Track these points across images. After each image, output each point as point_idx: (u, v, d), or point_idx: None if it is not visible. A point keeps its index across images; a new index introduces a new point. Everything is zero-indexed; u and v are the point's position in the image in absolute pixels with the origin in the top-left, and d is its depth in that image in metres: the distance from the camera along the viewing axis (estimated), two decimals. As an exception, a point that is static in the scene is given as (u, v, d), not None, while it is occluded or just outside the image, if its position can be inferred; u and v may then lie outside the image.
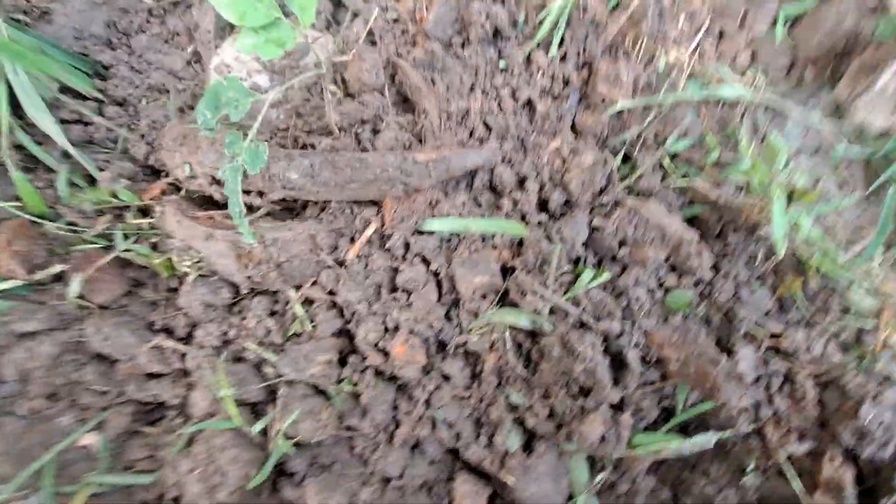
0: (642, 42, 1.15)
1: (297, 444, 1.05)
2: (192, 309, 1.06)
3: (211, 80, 1.20)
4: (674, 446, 0.94)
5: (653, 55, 1.16)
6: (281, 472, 1.08)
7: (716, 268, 1.02)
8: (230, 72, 1.17)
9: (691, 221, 1.09)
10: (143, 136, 1.21)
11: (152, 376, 1.09)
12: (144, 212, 1.15)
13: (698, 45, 1.13)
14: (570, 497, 1.08)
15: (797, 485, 0.90)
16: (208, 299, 1.04)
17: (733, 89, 1.08)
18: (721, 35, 1.17)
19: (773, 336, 0.96)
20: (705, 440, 0.93)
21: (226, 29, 1.25)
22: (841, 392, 0.88)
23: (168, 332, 1.10)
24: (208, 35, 1.23)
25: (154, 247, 1.13)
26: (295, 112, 1.15)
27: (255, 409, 1.04)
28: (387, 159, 0.97)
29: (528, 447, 1.06)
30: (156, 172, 1.20)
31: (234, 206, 0.75)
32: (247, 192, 1.03)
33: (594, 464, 1.09)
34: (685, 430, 1.05)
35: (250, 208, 1.08)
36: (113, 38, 1.28)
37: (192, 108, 1.23)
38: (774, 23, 1.14)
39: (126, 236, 1.11)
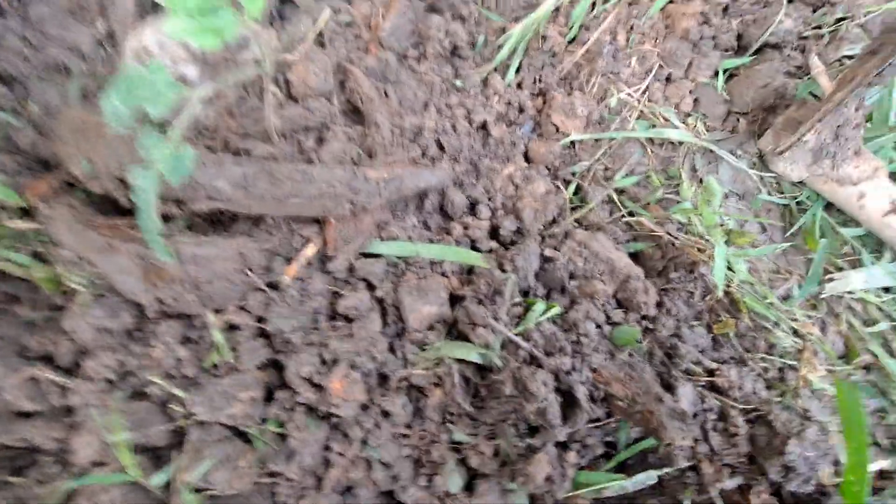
0: (596, 78, 1.17)
1: (210, 497, 0.90)
2: (82, 333, 0.88)
3: (126, 65, 1.03)
4: (617, 485, 0.92)
5: (605, 92, 1.19)
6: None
7: (659, 305, 1.04)
8: (151, 58, 1.02)
9: (636, 257, 1.12)
10: (32, 121, 1.00)
11: (23, 415, 0.89)
12: (28, 213, 0.95)
13: (647, 87, 1.18)
14: (511, 538, 1.03)
15: (728, 520, 0.92)
16: (103, 323, 0.87)
17: (678, 132, 1.13)
18: (668, 79, 1.23)
19: (708, 373, 0.99)
20: (647, 477, 0.93)
21: (148, 7, 1.09)
22: (768, 428, 0.92)
23: (47, 360, 0.90)
24: (126, 12, 1.06)
25: (37, 256, 0.93)
26: (227, 111, 1.02)
27: (156, 456, 0.88)
28: (334, 174, 0.88)
29: (468, 486, 1.00)
30: (46, 167, 1.00)
31: (147, 221, 0.62)
32: (162, 200, 0.88)
33: (534, 500, 1.06)
34: (623, 465, 1.05)
35: (166, 218, 0.92)
36: (4, 3, 1.06)
37: (97, 94, 1.05)
38: (716, 74, 1.21)
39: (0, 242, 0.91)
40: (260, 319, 0.94)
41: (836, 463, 0.95)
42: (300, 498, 0.95)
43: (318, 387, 0.93)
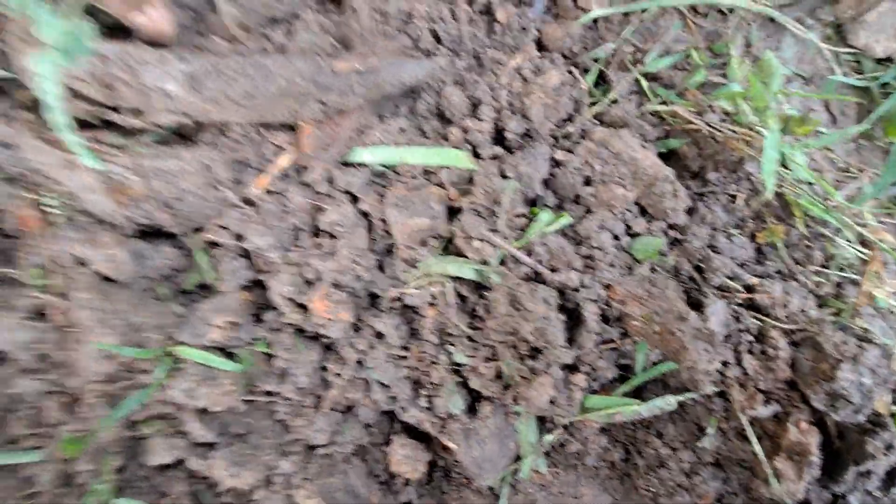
0: (624, -69, 0.93)
1: (204, 412, 0.90)
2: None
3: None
4: (630, 410, 0.84)
5: (636, -50, 0.95)
6: (187, 440, 0.94)
7: (690, 211, 0.88)
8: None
9: (667, 157, 0.94)
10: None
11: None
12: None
13: (690, -63, 0.92)
14: (517, 458, 1.00)
15: (758, 449, 0.82)
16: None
17: (729, -6, 0.89)
18: (718, -73, 0.96)
19: (747, 289, 0.85)
20: (665, 403, 0.83)
21: None
22: (816, 351, 0.79)
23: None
24: None
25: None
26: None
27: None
28: (295, 67, 0.75)
29: (471, 408, 0.96)
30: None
31: (53, 111, 0.54)
32: (115, 110, 0.80)
33: (544, 422, 1.01)
34: (640, 390, 0.96)
35: (129, 132, 0.85)
36: None
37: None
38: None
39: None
40: (238, 237, 0.88)
41: (899, 390, 0.82)
42: (297, 416, 0.94)
43: (302, 307, 0.87)
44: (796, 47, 0.99)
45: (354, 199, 0.89)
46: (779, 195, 0.86)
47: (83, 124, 0.87)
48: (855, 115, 1.03)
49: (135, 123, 0.83)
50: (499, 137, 0.99)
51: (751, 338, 0.82)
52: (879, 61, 1.01)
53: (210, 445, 0.93)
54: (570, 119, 0.98)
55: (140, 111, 0.81)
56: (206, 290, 0.93)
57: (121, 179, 0.78)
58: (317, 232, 0.89)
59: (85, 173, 0.79)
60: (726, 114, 0.88)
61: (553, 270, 0.82)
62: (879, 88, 1.01)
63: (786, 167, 0.83)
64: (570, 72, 0.99)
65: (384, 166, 0.89)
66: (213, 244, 0.90)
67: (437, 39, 0.99)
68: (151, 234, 0.88)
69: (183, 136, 0.92)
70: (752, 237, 0.88)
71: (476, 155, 0.96)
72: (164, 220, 0.85)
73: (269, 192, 0.87)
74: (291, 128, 0.88)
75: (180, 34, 0.86)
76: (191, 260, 0.90)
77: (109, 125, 0.82)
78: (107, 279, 0.84)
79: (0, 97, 0.95)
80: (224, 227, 0.88)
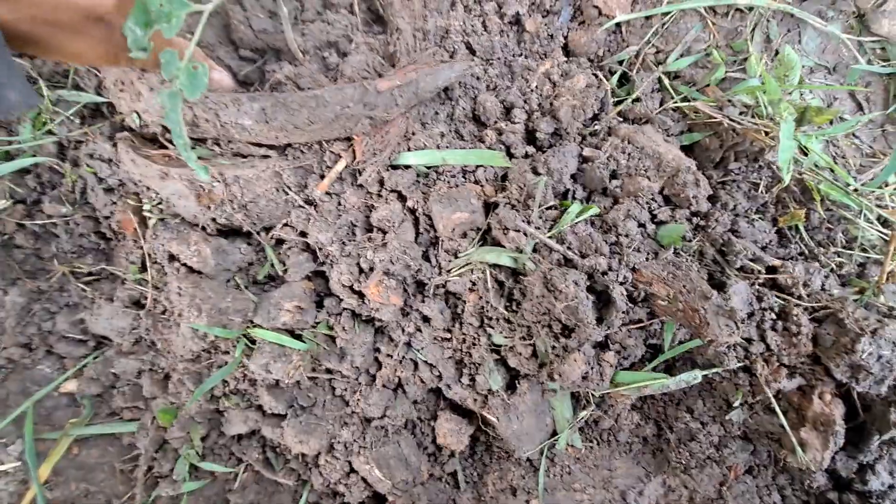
0: (644, -59, 1.00)
1: (276, 386, 1.04)
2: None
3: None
4: (659, 383, 0.91)
5: (656, -43, 1.02)
6: (263, 413, 1.07)
7: (713, 199, 0.94)
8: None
9: (689, 149, 1.00)
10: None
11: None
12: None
13: (708, -57, 0.98)
14: (554, 433, 1.08)
15: (784, 420, 0.87)
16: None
17: (746, -6, 0.95)
18: (735, -70, 1.02)
19: (769, 270, 0.90)
20: (691, 377, 0.90)
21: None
22: (838, 327, 0.83)
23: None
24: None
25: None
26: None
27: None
28: (346, 94, 0.87)
29: (510, 385, 1.04)
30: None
31: (178, 136, 0.67)
32: (202, 141, 0.95)
33: (578, 400, 1.08)
34: (670, 368, 1.02)
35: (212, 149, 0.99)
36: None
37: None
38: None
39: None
40: (302, 234, 1.00)
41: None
42: (355, 392, 1.06)
43: (358, 294, 0.99)
44: (818, 39, 1.03)
45: (402, 197, 1.00)
46: (799, 181, 0.91)
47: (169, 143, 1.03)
48: (881, 102, 1.06)
49: (215, 149, 0.98)
50: (530, 137, 1.08)
51: (773, 316, 0.87)
52: (905, 48, 1.03)
53: (280, 417, 1.06)
54: (596, 118, 1.06)
55: (219, 140, 0.96)
56: (274, 280, 1.06)
57: (206, 187, 0.93)
58: (370, 227, 1.01)
59: (177, 182, 0.93)
60: (746, 107, 0.93)
61: (583, 256, 0.90)
62: (905, 75, 1.04)
63: (805, 154, 0.88)
64: (596, 74, 1.07)
65: (427, 167, 1.00)
66: (281, 240, 1.03)
67: (472, 51, 1.10)
68: (229, 232, 1.02)
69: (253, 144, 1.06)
70: (774, 222, 0.93)
71: (509, 154, 1.05)
72: (241, 220, 0.98)
73: (328, 193, 0.99)
74: (347, 138, 1.00)
75: (248, 73, 1.01)
76: (262, 255, 1.04)
77: (196, 141, 0.97)
78: (195, 271, 0.98)
79: (99, 119, 1.13)
80: (290, 226, 1.01)
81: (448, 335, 1.03)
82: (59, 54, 0.71)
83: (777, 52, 0.99)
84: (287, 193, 0.98)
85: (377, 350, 1.06)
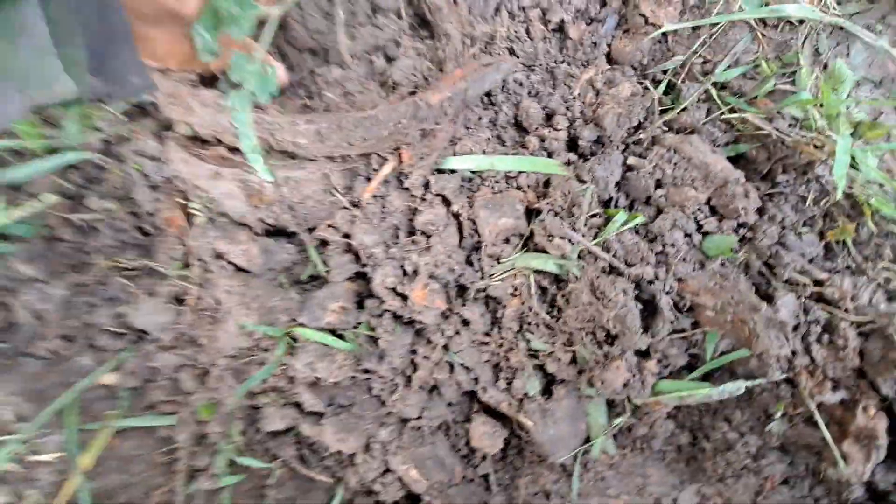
0: (694, -49, 1.00)
1: (316, 384, 1.05)
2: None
3: None
4: (701, 393, 0.91)
5: (705, -32, 1.02)
6: (301, 410, 1.09)
7: (760, 211, 0.94)
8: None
9: (736, 161, 1.00)
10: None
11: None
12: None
13: (760, -47, 0.98)
14: (588, 439, 1.08)
15: (826, 433, 0.88)
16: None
17: (798, 7, 0.95)
18: (787, -59, 1.01)
19: (816, 283, 0.90)
20: (735, 388, 0.90)
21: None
22: (885, 342, 0.83)
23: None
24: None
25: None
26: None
27: (273, 352, 1.03)
28: (399, 112, 0.88)
29: (546, 391, 1.05)
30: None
31: (246, 139, 0.68)
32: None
33: (613, 407, 1.09)
34: (708, 377, 1.03)
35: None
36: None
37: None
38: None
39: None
40: (346, 235, 1.01)
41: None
42: (392, 392, 1.07)
43: (401, 296, 1.00)
44: (866, 53, 1.03)
45: (447, 201, 1.01)
46: (848, 195, 0.91)
47: (232, 149, 1.04)
48: (929, 117, 1.05)
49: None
50: (572, 145, 1.08)
51: (819, 329, 0.87)
52: (954, 63, 1.02)
53: (318, 415, 1.08)
54: (640, 126, 1.06)
55: (272, 149, 0.97)
56: (316, 280, 1.07)
57: (258, 187, 0.94)
58: (412, 231, 1.02)
59: (229, 182, 0.94)
60: (795, 119, 0.93)
61: (629, 265, 0.91)
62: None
63: (856, 169, 0.88)
64: (641, 82, 1.08)
65: (472, 172, 1.01)
66: (324, 242, 1.04)
67: (515, 56, 1.10)
68: (275, 232, 1.03)
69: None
70: (821, 235, 0.93)
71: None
72: (288, 220, 1.00)
73: (373, 196, 1.00)
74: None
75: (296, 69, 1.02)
76: (304, 255, 1.05)
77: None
78: (243, 270, 0.99)
79: (146, 118, 1.15)
80: (334, 227, 1.02)
81: (487, 339, 1.04)
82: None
83: (826, 66, 0.99)
84: (333, 195, 0.99)
85: (413, 352, 1.07)
